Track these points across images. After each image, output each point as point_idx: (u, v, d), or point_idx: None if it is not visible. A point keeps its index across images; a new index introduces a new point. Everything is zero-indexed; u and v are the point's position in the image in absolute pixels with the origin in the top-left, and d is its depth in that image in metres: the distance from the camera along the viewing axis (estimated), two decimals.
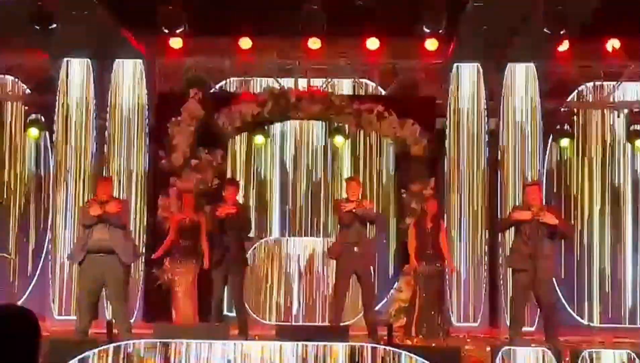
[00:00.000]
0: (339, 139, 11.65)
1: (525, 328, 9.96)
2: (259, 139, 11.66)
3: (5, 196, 11.80)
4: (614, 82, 11.78)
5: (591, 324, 11.39)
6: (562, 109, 11.68)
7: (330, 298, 10.35)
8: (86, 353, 7.34)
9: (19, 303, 11.15)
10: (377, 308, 11.27)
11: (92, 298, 8.61)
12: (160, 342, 7.45)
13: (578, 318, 11.53)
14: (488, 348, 8.11)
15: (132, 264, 8.99)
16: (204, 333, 7.69)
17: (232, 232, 9.20)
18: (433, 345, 8.98)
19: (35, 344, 2.42)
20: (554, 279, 9.04)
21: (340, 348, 7.39)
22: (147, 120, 11.39)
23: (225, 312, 11.31)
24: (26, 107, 11.67)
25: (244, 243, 9.52)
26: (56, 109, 11.26)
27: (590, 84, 11.83)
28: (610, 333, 10.29)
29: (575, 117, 11.76)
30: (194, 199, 9.97)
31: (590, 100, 11.89)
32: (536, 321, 10.87)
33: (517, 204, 9.77)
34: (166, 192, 10.94)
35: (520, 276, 8.56)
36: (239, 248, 9.31)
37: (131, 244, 8.78)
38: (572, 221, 11.71)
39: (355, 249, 9.17)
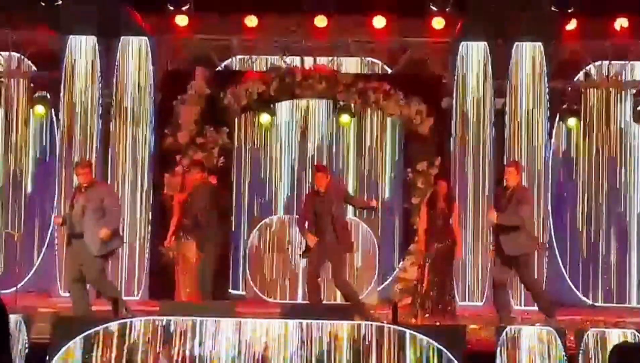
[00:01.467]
0: (345, 118, 11.62)
1: (529, 308, 10.00)
2: (264, 117, 11.63)
3: (11, 173, 11.81)
4: (622, 61, 11.71)
5: (596, 304, 11.39)
6: (569, 89, 11.63)
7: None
8: (91, 330, 7.37)
9: (25, 280, 11.21)
10: (381, 287, 11.31)
11: (78, 282, 8.60)
12: (166, 318, 7.47)
13: (583, 297, 11.54)
14: (493, 328, 8.12)
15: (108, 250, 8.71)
16: (210, 311, 7.71)
17: None
18: (438, 324, 9.00)
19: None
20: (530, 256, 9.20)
21: (344, 327, 7.41)
22: (152, 98, 11.37)
23: (230, 290, 11.37)
24: (32, 85, 11.66)
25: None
26: (62, 87, 11.25)
27: (598, 63, 11.77)
28: (615, 313, 10.30)
29: (582, 96, 11.71)
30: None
31: (598, 79, 11.83)
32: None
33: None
34: (172, 170, 10.94)
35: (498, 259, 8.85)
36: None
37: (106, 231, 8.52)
38: (579, 201, 11.71)
39: (328, 238, 9.11)
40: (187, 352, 7.31)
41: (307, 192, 10.40)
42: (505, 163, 10.34)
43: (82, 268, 8.47)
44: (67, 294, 10.69)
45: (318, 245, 9.12)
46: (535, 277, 9.59)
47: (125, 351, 7.32)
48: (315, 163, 11.35)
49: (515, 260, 8.86)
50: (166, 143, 11.11)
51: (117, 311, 8.28)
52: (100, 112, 11.29)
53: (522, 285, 9.23)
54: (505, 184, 9.02)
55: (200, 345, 7.33)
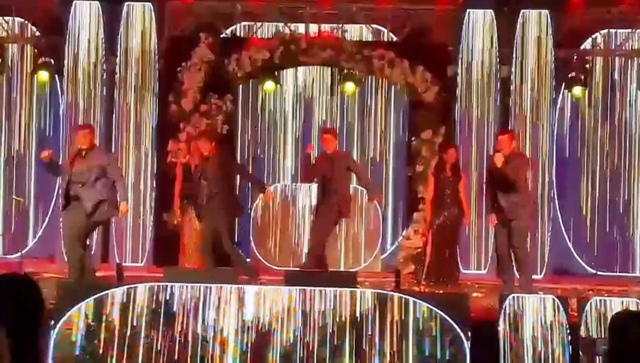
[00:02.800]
0: (349, 86, 11.58)
1: (533, 276, 10.01)
2: (269, 85, 11.60)
3: (16, 139, 11.81)
4: (629, 30, 11.63)
5: (599, 272, 11.42)
6: (575, 57, 11.56)
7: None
8: (96, 296, 7.41)
9: (30, 245, 11.26)
10: (385, 255, 11.34)
11: (77, 243, 8.64)
12: (170, 285, 7.51)
13: (586, 266, 11.56)
14: (496, 296, 8.15)
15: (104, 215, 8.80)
16: (214, 277, 7.75)
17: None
18: (441, 292, 9.03)
19: (39, 310, 2.54)
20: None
21: (347, 294, 7.44)
22: (156, 64, 11.33)
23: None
24: (35, 50, 11.62)
25: None
26: (66, 53, 11.22)
27: (604, 32, 11.69)
28: (618, 282, 10.32)
29: (588, 65, 11.64)
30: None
31: (604, 48, 11.76)
32: (544, 269, 10.93)
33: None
34: (176, 137, 10.93)
35: (499, 231, 8.89)
36: None
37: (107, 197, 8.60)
38: (583, 170, 11.70)
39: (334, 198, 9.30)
40: (190, 319, 7.35)
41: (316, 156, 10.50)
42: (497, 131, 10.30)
43: (75, 230, 8.49)
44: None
45: (326, 209, 9.19)
46: (528, 249, 9.55)
47: (129, 317, 7.37)
48: (323, 126, 11.36)
49: (510, 223, 8.84)
50: (170, 110, 11.09)
51: (122, 277, 8.32)
52: (104, 78, 11.26)
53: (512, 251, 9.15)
54: (497, 152, 8.96)
55: (203, 311, 7.37)
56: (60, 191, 11.17)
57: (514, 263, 9.04)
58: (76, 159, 8.54)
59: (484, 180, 9.71)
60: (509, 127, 11.15)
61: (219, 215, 9.17)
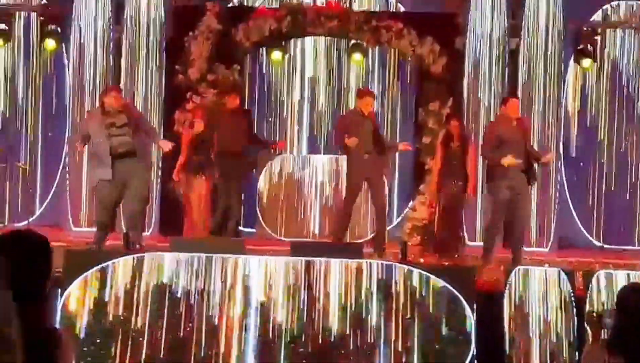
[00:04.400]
0: (357, 57, 11.52)
1: (540, 249, 10.03)
2: (276, 55, 11.54)
3: (22, 108, 11.80)
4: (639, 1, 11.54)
5: (605, 246, 11.41)
6: (585, 29, 11.47)
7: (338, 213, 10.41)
8: (103, 264, 7.44)
9: (37, 214, 11.28)
10: (391, 227, 11.34)
11: (113, 209, 8.69)
12: (175, 254, 7.53)
13: (591, 239, 11.55)
14: (502, 268, 8.16)
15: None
16: (220, 248, 7.76)
17: None
18: (447, 264, 9.04)
19: (47, 272, 2.53)
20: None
21: (353, 265, 7.45)
22: (163, 34, 11.28)
23: (241, 227, 11.42)
24: (42, 18, 11.58)
25: None
26: (72, 21, 11.17)
27: (614, 3, 11.59)
28: (624, 255, 10.32)
29: (598, 37, 11.55)
30: (206, 113, 9.97)
31: (615, 20, 11.66)
32: (550, 243, 10.92)
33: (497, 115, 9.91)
34: (183, 107, 10.91)
35: (500, 197, 8.80)
36: None
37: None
38: (591, 143, 11.65)
39: (366, 156, 9.16)
40: (195, 288, 7.38)
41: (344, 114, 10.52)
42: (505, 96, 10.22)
43: (129, 189, 8.45)
44: (78, 228, 10.80)
45: (357, 170, 9.17)
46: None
47: (135, 286, 7.40)
48: (361, 87, 11.27)
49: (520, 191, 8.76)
50: (177, 80, 11.06)
51: (128, 245, 8.34)
52: (111, 47, 11.22)
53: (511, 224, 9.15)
54: (506, 116, 8.94)
55: (208, 281, 7.39)
56: (70, 161, 11.18)
57: (512, 237, 9.05)
58: (108, 117, 8.46)
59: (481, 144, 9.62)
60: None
61: (235, 173, 9.44)
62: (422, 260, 9.06)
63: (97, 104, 11.07)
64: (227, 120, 9.80)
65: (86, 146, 8.69)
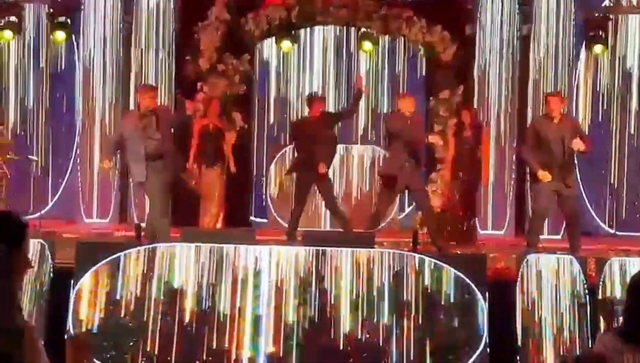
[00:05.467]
0: (366, 45, 11.48)
1: (551, 237, 9.99)
2: (286, 44, 11.52)
3: (31, 100, 11.82)
4: None
5: (618, 232, 11.36)
6: (596, 15, 11.39)
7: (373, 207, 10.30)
8: (115, 256, 7.45)
9: (49, 206, 11.32)
10: (402, 215, 11.32)
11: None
12: (187, 245, 7.54)
13: (604, 226, 11.50)
14: (514, 256, 8.13)
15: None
16: (231, 238, 7.76)
17: None
18: (458, 252, 9.02)
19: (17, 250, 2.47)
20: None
21: (363, 254, 7.44)
22: (173, 24, 11.27)
23: (252, 218, 11.43)
24: (51, 10, 11.58)
25: None
26: (82, 13, 11.17)
27: None
28: (637, 242, 10.26)
29: (610, 23, 11.47)
30: (219, 105, 9.97)
31: (626, 5, 11.57)
32: (562, 230, 10.88)
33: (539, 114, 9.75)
34: (193, 97, 10.90)
35: (544, 187, 8.56)
36: None
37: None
38: (604, 130, 11.58)
39: (407, 164, 9.07)
40: (206, 278, 7.39)
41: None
42: (546, 93, 10.02)
43: (149, 191, 8.49)
44: (90, 220, 10.82)
45: (398, 174, 9.05)
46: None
47: (147, 277, 7.41)
48: (404, 91, 11.14)
49: (565, 190, 8.63)
50: (187, 70, 11.06)
51: (140, 237, 8.36)
52: (121, 38, 11.22)
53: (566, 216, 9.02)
54: (547, 115, 8.73)
55: (219, 271, 7.40)
56: (80, 154, 11.20)
57: (569, 229, 8.90)
58: (141, 119, 8.48)
59: (518, 142, 9.48)
60: (529, 86, 11.05)
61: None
62: (433, 249, 9.04)
63: (107, 95, 11.09)
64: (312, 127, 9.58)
65: (118, 152, 8.71)
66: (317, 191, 9.79)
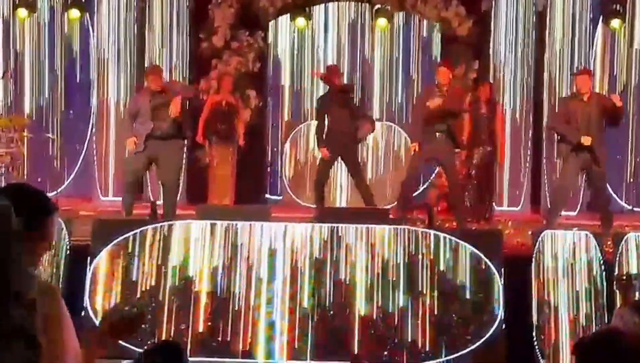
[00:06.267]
0: (381, 22, 11.41)
1: (568, 213, 9.94)
2: (300, 21, 11.46)
3: (47, 78, 11.82)
4: None
5: (635, 208, 11.29)
6: None
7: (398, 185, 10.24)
8: (131, 233, 7.48)
9: (66, 184, 11.36)
10: (417, 192, 11.30)
11: (135, 185, 8.82)
12: (203, 222, 7.56)
13: (622, 202, 11.43)
14: (529, 232, 8.11)
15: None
16: (247, 214, 7.78)
17: None
18: (474, 228, 9.00)
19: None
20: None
21: (378, 231, 7.43)
22: (187, 2, 11.24)
23: (267, 195, 11.43)
24: None
25: None
26: None
27: None
28: None
29: None
30: (232, 81, 9.96)
31: None
32: (578, 206, 10.83)
33: (565, 95, 9.67)
34: (207, 75, 10.89)
35: (571, 164, 8.52)
36: None
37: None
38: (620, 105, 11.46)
39: (438, 135, 8.97)
40: (221, 255, 7.40)
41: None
42: (574, 72, 9.88)
43: (161, 162, 8.63)
44: (106, 198, 10.88)
45: (427, 146, 8.97)
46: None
47: (163, 253, 7.44)
48: (443, 60, 10.99)
49: (593, 166, 8.55)
50: (201, 48, 11.03)
51: (155, 215, 8.39)
52: (135, 15, 11.19)
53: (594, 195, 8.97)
54: (576, 94, 8.66)
55: (234, 248, 7.41)
56: (95, 132, 11.23)
57: (599, 207, 8.85)
58: (153, 100, 8.62)
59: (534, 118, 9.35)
60: (544, 62, 10.96)
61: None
62: (448, 225, 9.03)
63: (122, 74, 11.11)
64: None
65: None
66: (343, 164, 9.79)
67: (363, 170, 10.29)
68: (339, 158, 9.68)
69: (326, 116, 9.53)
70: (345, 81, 10.61)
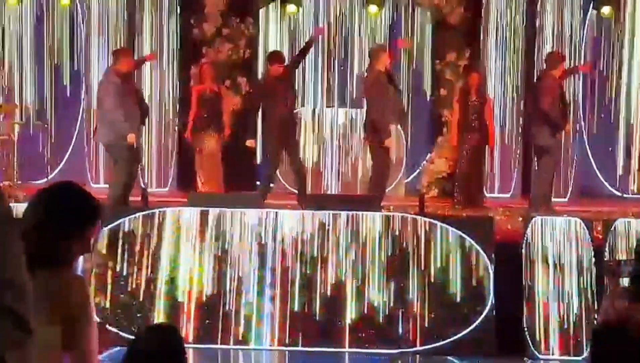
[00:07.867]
0: (372, 9, 11.39)
1: (557, 200, 9.98)
2: (291, 7, 11.43)
3: (38, 63, 11.76)
4: None
5: (625, 195, 11.33)
6: None
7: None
8: (123, 219, 7.48)
9: (57, 170, 11.33)
10: (409, 179, 11.32)
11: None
12: (193, 209, 7.56)
13: (611, 188, 11.47)
14: (520, 219, 8.14)
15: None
16: (238, 202, 7.78)
17: None
18: (465, 215, 9.03)
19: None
20: None
21: (369, 218, 7.45)
22: None
23: (258, 182, 11.42)
24: None
25: None
26: None
27: None
28: None
29: None
30: (212, 69, 9.92)
31: None
32: (569, 193, 10.88)
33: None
34: (198, 62, 10.86)
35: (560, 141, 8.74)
36: None
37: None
38: (610, 91, 11.50)
39: None
40: (212, 241, 7.41)
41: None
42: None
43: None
44: (97, 184, 10.86)
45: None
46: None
47: (155, 240, 7.44)
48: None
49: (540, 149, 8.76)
50: (192, 34, 10.99)
51: (147, 201, 8.38)
52: (126, 2, 11.14)
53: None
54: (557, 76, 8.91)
55: (227, 234, 7.42)
56: (86, 117, 11.20)
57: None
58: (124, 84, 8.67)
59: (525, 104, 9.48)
60: (535, 48, 10.98)
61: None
62: (440, 212, 9.05)
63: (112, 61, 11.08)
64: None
65: None
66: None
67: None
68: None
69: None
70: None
